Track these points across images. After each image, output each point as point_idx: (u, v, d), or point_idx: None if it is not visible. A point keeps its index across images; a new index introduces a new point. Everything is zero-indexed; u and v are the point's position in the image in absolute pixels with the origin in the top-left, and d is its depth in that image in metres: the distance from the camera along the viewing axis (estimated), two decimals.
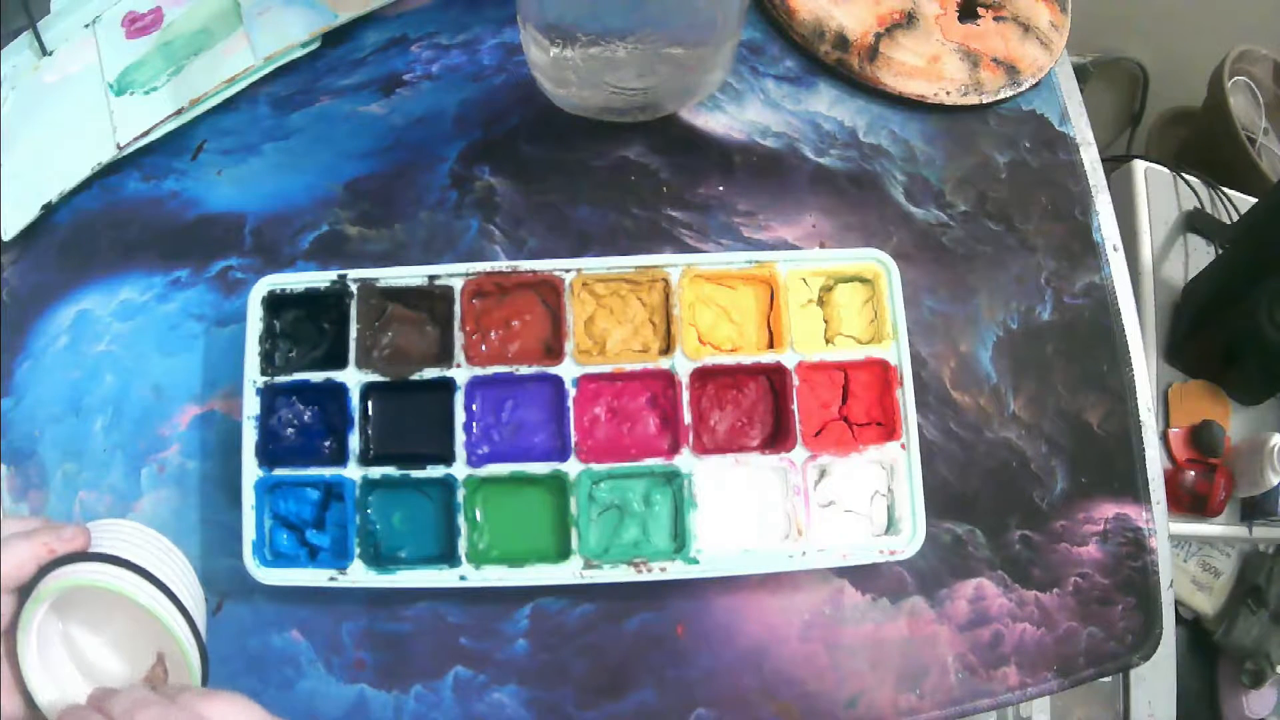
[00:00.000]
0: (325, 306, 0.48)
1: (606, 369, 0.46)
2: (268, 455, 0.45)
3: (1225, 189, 0.89)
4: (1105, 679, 0.59)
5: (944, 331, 0.53)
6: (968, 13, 0.59)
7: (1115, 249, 0.56)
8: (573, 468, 0.45)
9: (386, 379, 0.46)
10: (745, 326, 0.49)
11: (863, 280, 0.49)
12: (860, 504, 0.47)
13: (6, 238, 0.52)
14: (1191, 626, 0.90)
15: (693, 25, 0.47)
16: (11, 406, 0.50)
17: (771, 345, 0.48)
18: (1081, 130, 0.59)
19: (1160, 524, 0.52)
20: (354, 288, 0.47)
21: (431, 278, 0.47)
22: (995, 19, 0.59)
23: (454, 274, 0.47)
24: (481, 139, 0.54)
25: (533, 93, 0.54)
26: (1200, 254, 0.84)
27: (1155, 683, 0.65)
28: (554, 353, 0.47)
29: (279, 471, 0.45)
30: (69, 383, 0.50)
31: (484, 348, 0.48)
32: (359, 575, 0.44)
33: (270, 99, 0.55)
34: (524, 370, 0.46)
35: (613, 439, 0.47)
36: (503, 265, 0.47)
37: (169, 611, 0.37)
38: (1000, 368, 0.53)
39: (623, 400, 0.47)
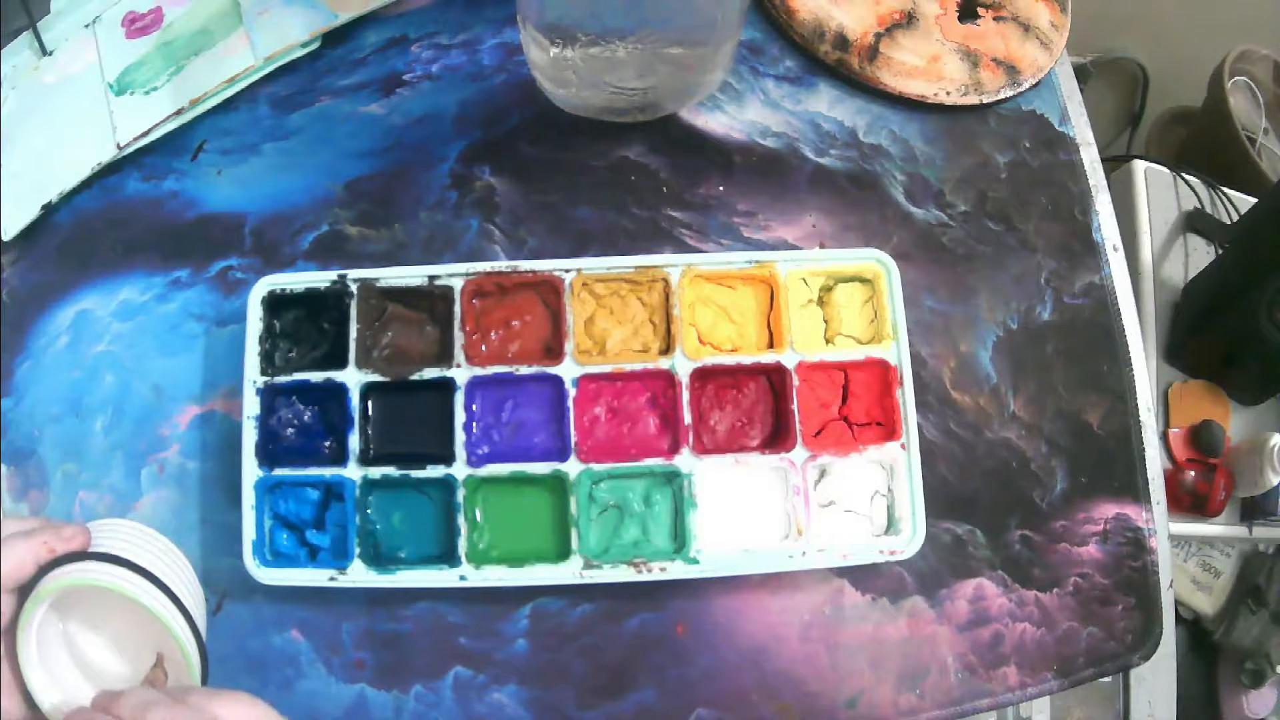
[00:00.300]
0: (325, 306, 0.48)
1: (606, 369, 0.47)
2: (268, 455, 0.45)
3: (1225, 189, 0.88)
4: (1105, 679, 0.59)
5: (944, 331, 0.53)
6: (968, 13, 0.59)
7: (1115, 249, 0.56)
8: (573, 468, 0.45)
9: (386, 379, 0.46)
10: (745, 326, 0.49)
11: (863, 280, 0.49)
12: (860, 504, 0.47)
13: (6, 238, 0.52)
14: (1191, 626, 0.90)
15: (693, 25, 0.47)
16: (11, 406, 0.50)
17: (771, 345, 0.48)
18: (1081, 130, 0.59)
19: (1160, 524, 0.52)
20: (354, 288, 0.47)
21: (431, 278, 0.47)
22: (995, 19, 0.59)
23: (454, 274, 0.47)
24: (481, 139, 0.54)
25: (533, 93, 0.54)
26: (1200, 254, 0.84)
27: (1155, 683, 0.65)
28: (554, 353, 0.47)
29: (279, 471, 0.45)
30: (69, 383, 0.50)
31: (484, 348, 0.48)
32: (359, 575, 0.44)
33: (270, 99, 0.55)
34: (524, 370, 0.46)
35: (613, 439, 0.47)
36: (503, 265, 0.47)
37: (169, 611, 0.37)
38: (1000, 368, 0.53)
39: (623, 400, 0.47)
